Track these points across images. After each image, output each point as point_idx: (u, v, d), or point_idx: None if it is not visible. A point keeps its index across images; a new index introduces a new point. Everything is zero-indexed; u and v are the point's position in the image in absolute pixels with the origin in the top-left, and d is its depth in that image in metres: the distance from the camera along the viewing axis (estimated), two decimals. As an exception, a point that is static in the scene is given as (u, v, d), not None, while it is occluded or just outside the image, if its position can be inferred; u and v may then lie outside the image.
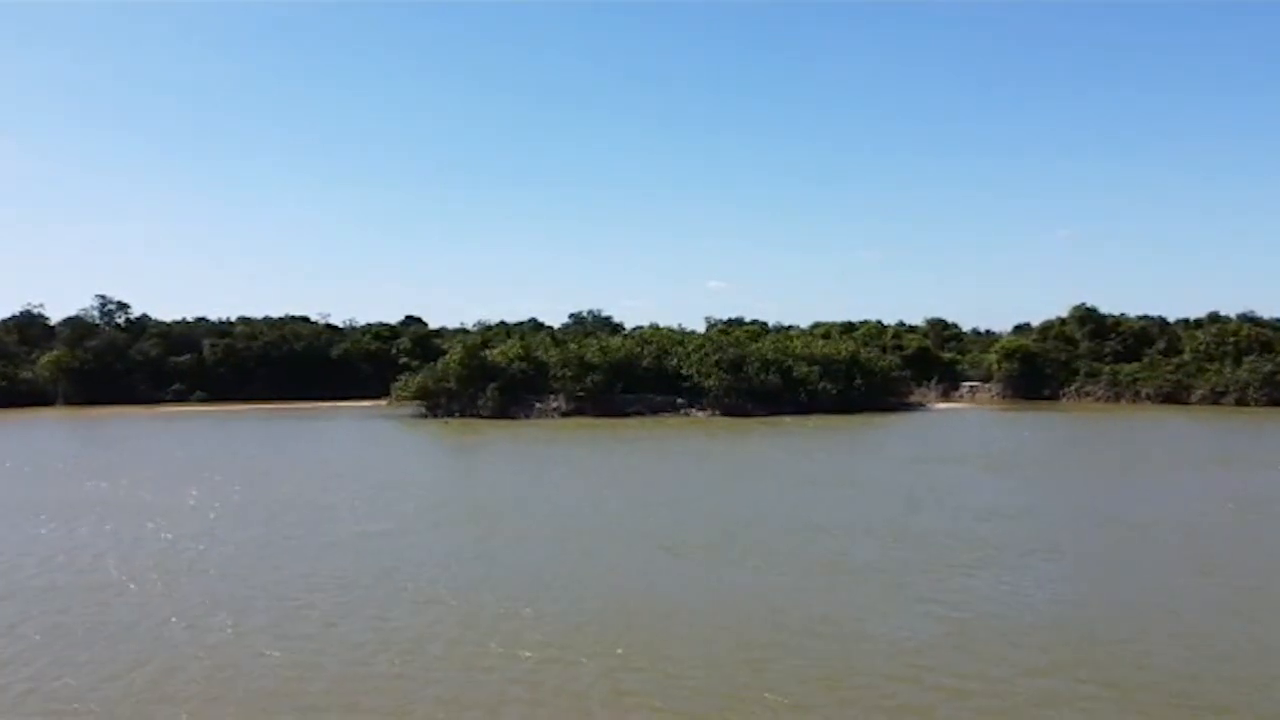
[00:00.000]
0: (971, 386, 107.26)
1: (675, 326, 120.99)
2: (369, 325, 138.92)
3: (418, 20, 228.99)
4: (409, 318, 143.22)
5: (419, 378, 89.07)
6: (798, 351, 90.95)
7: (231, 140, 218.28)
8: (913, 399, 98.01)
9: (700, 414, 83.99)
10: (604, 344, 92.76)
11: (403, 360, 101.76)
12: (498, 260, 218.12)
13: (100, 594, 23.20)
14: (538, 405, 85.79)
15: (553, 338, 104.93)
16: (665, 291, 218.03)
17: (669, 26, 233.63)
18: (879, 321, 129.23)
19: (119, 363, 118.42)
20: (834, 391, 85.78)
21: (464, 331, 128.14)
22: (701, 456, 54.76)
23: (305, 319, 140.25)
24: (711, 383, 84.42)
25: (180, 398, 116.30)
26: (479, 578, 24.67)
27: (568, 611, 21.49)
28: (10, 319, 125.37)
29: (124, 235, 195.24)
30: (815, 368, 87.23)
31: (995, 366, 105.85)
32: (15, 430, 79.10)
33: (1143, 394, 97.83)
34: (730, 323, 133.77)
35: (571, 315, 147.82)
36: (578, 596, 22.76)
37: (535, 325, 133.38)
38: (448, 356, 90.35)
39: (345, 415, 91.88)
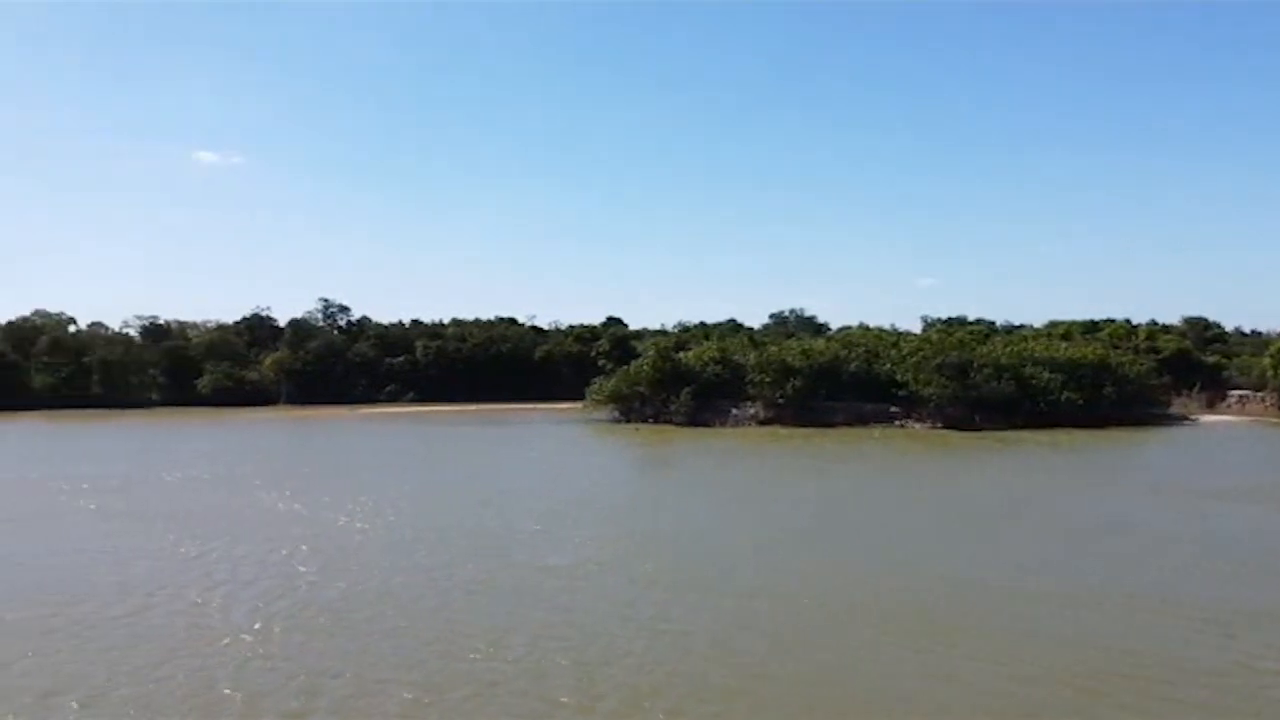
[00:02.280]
0: (1241, 395, 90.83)
1: (886, 327, 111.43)
2: (571, 327, 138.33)
3: (610, 22, 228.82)
4: (610, 319, 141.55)
5: (612, 381, 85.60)
6: (1036, 355, 79.47)
7: (443, 145, 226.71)
8: (1172, 409, 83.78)
9: (917, 425, 74.87)
10: (806, 346, 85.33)
11: (601, 362, 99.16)
12: (698, 259, 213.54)
13: (185, 645, 19.42)
14: (733, 412, 79.87)
15: (750, 339, 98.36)
16: (871, 289, 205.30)
17: (864, 23, 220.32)
18: (1127, 320, 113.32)
19: (338, 364, 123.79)
20: (1079, 401, 73.93)
21: (663, 332, 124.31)
22: (929, 483, 46.24)
23: (513, 321, 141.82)
24: (931, 390, 74.98)
25: (394, 399, 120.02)
26: (673, 654, 18.93)
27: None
28: (241, 322, 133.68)
29: (346, 239, 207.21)
30: (1057, 374, 75.60)
31: (1270, 373, 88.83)
32: (216, 431, 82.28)
33: None
34: (950, 322, 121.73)
35: (772, 315, 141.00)
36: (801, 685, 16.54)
37: (733, 326, 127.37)
38: (641, 358, 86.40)
39: (541, 419, 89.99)
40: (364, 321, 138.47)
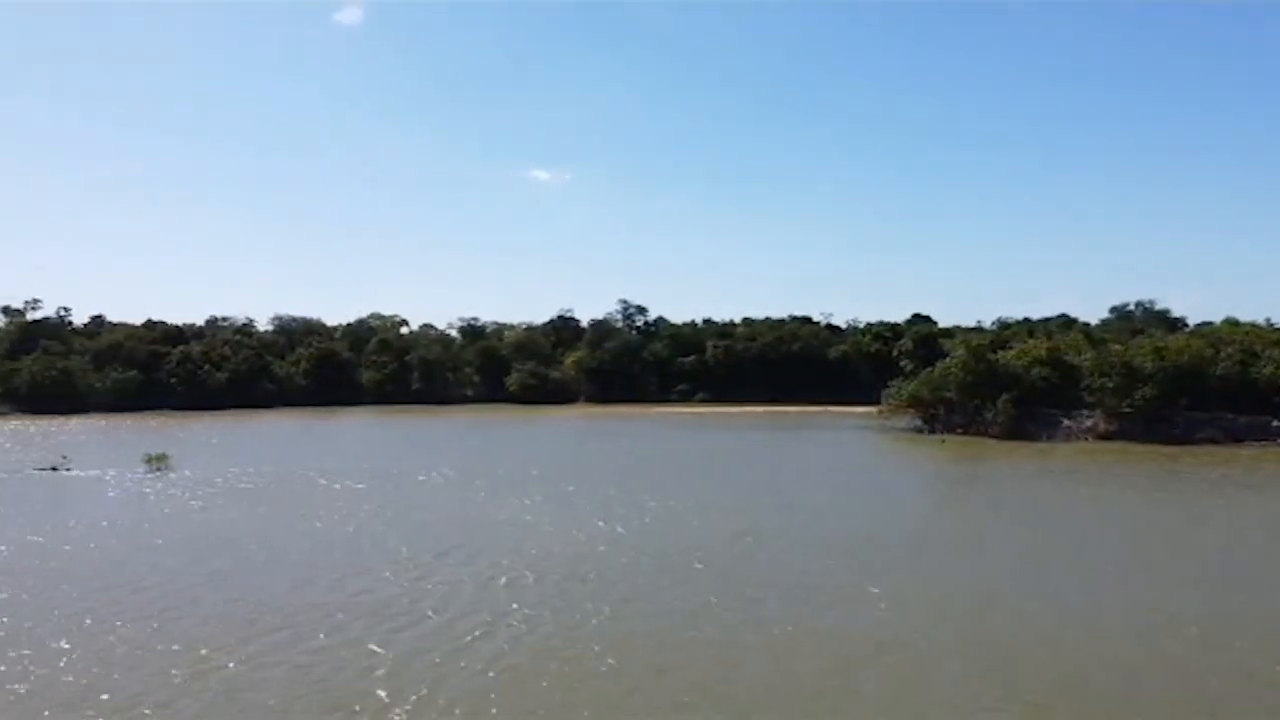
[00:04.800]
0: None
1: (1262, 322, 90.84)
2: (870, 325, 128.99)
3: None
4: (915, 315, 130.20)
5: (913, 383, 76.34)
6: None
7: (744, 151, 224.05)
8: None
9: (1314, 445, 58.93)
10: (1159, 344, 70.39)
11: (902, 363, 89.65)
12: (1022, 248, 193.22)
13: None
14: (1065, 423, 67.62)
15: (1087, 336, 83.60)
16: (1237, 279, 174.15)
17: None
18: None
19: (633, 364, 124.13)
20: None
21: (977, 330, 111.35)
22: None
23: (807, 319, 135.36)
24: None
25: (685, 398, 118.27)
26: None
27: None
28: (548, 323, 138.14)
29: (651, 242, 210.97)
30: None
31: None
32: (526, 428, 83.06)
33: None
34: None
35: (1113, 309, 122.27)
36: None
37: (1065, 322, 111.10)
38: (949, 359, 75.86)
39: (831, 423, 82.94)
40: (659, 322, 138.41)
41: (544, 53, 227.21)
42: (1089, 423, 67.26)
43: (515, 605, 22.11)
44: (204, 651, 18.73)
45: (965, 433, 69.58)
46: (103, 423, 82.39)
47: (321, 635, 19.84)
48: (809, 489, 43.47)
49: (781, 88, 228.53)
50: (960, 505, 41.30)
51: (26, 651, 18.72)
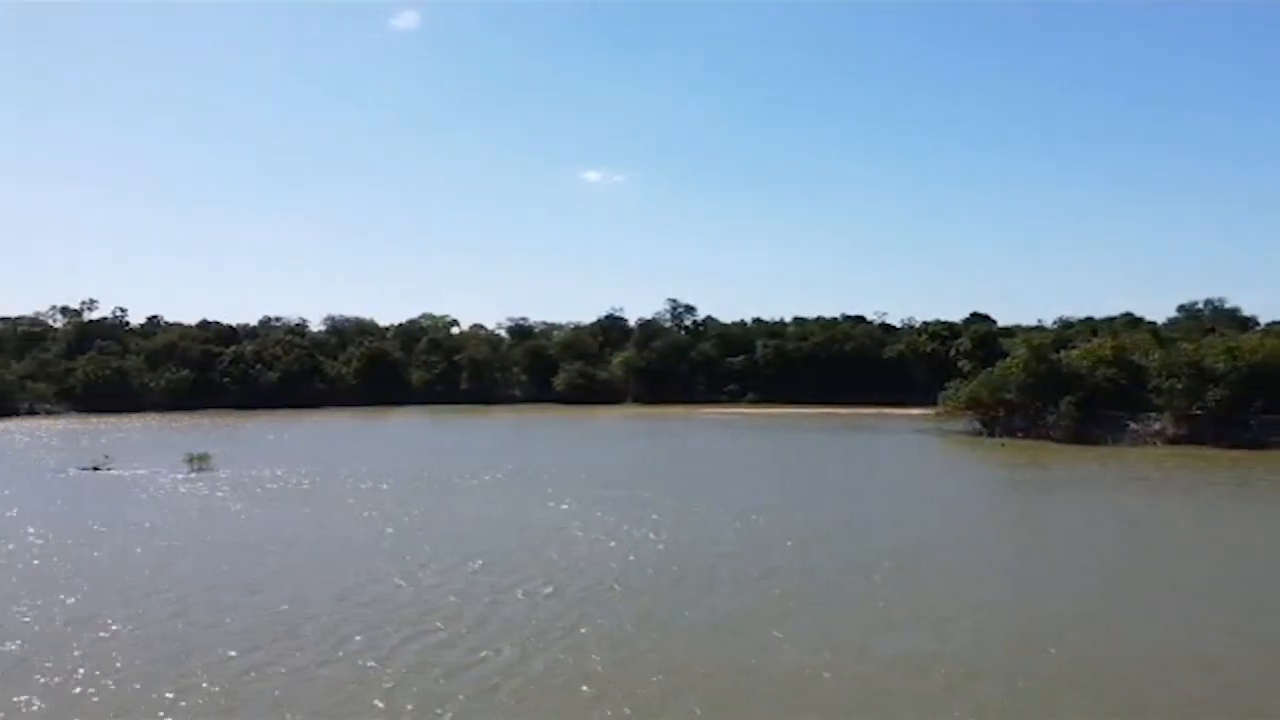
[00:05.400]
0: None
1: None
2: (926, 324, 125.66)
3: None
4: (974, 314, 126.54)
5: (971, 384, 73.51)
6: None
7: (797, 148, 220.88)
8: None
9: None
10: (1231, 344, 66.59)
11: (960, 363, 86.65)
12: (1084, 245, 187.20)
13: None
14: (1131, 426, 64.37)
15: (1155, 335, 79.85)
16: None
17: None
18: None
19: (681, 363, 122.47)
20: None
21: (1039, 329, 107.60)
22: None
23: (860, 319, 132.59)
24: None
25: (734, 399, 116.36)
26: None
27: None
28: (595, 322, 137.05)
29: (700, 241, 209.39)
30: None
31: None
32: (572, 426, 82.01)
33: None
34: None
35: (1181, 308, 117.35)
36: None
37: (1130, 321, 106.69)
38: (1009, 359, 72.94)
39: (886, 425, 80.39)
40: (708, 321, 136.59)
41: (597, 55, 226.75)
42: (1156, 426, 63.97)
43: (534, 620, 20.74)
44: (194, 663, 17.67)
45: (1026, 436, 66.66)
46: (154, 422, 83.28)
47: (323, 647, 18.67)
48: (865, 495, 41.56)
49: (836, 85, 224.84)
50: (1031, 513, 38.87)
51: None
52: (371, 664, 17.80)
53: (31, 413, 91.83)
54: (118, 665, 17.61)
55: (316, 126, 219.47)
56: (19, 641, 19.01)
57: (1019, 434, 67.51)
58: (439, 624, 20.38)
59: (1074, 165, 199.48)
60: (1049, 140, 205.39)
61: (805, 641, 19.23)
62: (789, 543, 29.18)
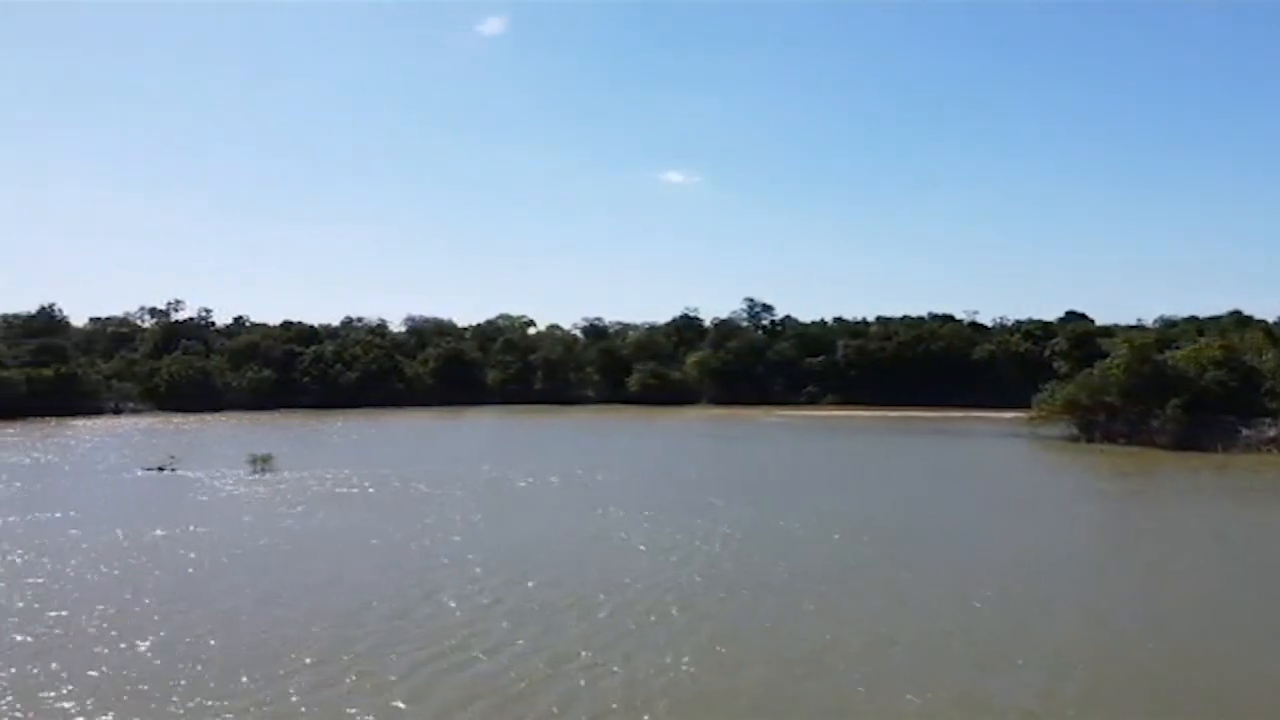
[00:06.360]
0: None
1: None
2: (1019, 323, 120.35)
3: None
4: (1070, 313, 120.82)
5: (1069, 386, 69.16)
6: None
7: (879, 148, 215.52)
8: None
9: None
10: (1361, 343, 61.22)
11: (1055, 364, 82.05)
12: (1187, 241, 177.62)
13: None
14: (1243, 432, 59.49)
15: (1268, 333, 74.10)
16: None
17: None
18: None
19: (758, 364, 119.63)
20: None
21: (1139, 329, 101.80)
22: None
23: (949, 317, 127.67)
24: None
25: (813, 400, 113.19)
26: None
27: None
28: (670, 323, 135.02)
29: (772, 241, 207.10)
30: None
31: None
32: (647, 428, 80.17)
33: None
34: None
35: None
36: None
37: (1239, 320, 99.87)
38: (1109, 359, 68.45)
39: (976, 429, 76.49)
40: (786, 320, 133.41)
41: (680, 57, 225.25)
42: (1271, 433, 59.01)
43: (583, 652, 18.80)
44: (212, 685, 16.26)
45: (1128, 442, 62.24)
46: (233, 421, 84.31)
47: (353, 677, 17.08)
48: (958, 505, 38.63)
49: (921, 84, 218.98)
50: (1146, 529, 35.48)
51: None
52: (399, 701, 16.12)
53: (116, 411, 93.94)
54: (139, 683, 16.31)
55: (401, 131, 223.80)
56: (44, 650, 17.95)
57: (1120, 439, 63.15)
58: (481, 653, 18.60)
59: (1175, 162, 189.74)
60: (1149, 137, 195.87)
61: (898, 684, 16.85)
62: (887, 567, 26.64)
